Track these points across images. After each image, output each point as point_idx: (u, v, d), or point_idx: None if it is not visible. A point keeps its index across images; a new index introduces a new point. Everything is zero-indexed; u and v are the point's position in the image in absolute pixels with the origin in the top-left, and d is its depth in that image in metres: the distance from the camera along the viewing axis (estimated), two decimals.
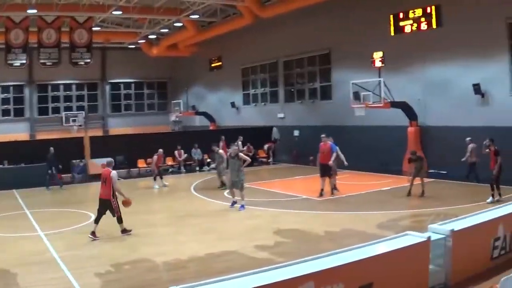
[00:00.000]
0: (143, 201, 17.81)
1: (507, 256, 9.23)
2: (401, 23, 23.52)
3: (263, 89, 35.20)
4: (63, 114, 41.79)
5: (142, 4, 28.39)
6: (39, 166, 22.54)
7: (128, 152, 26.30)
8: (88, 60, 28.61)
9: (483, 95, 20.71)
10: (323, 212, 15.33)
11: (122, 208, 12.74)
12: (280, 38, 31.95)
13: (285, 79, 33.09)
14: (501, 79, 20.17)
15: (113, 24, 34.19)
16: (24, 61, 27.26)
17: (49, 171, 21.91)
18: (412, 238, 7.90)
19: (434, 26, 22.16)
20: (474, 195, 16.42)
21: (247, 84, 36.84)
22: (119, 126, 42.98)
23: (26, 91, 41.60)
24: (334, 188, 18.01)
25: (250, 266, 8.80)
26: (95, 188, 22.46)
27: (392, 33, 23.97)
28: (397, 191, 18.11)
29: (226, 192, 18.71)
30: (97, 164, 25.26)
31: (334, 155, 17.30)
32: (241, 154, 16.52)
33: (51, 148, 21.97)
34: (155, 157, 22.00)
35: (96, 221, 12.56)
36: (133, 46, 41.24)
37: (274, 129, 32.13)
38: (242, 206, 15.76)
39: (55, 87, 42.74)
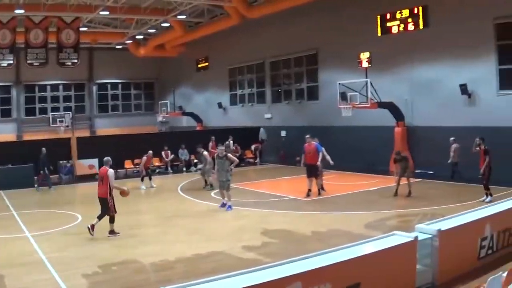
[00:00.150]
0: (131, 202, 17.62)
1: (494, 256, 9.28)
2: (388, 24, 23.66)
3: (250, 89, 35.18)
4: (50, 114, 41.48)
5: (129, 4, 28.30)
6: (26, 167, 22.43)
7: (115, 153, 25.89)
8: (75, 61, 28.40)
9: (470, 96, 20.84)
10: (310, 212, 15.34)
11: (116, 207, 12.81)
12: (267, 39, 31.99)
13: (272, 80, 33.11)
14: (488, 79, 20.31)
15: (101, 25, 34.07)
16: (11, 62, 26.97)
17: (41, 172, 21.84)
18: (399, 238, 7.94)
19: (421, 26, 22.31)
20: (461, 195, 16.57)
21: (234, 84, 36.81)
22: (106, 126, 42.83)
23: (13, 92, 41.30)
24: (321, 188, 18.06)
25: (237, 266, 8.80)
26: (83, 189, 22.68)
27: (379, 34, 24.09)
28: (384, 191, 18.19)
29: (213, 193, 18.71)
30: (84, 165, 25.27)
31: (321, 155, 17.36)
32: (229, 154, 16.47)
33: (43, 149, 21.80)
34: (144, 158, 21.87)
35: (99, 217, 12.68)
36: (120, 47, 41.11)
37: (261, 130, 32.10)
38: (229, 206, 15.75)
39: (42, 88, 42.49)
